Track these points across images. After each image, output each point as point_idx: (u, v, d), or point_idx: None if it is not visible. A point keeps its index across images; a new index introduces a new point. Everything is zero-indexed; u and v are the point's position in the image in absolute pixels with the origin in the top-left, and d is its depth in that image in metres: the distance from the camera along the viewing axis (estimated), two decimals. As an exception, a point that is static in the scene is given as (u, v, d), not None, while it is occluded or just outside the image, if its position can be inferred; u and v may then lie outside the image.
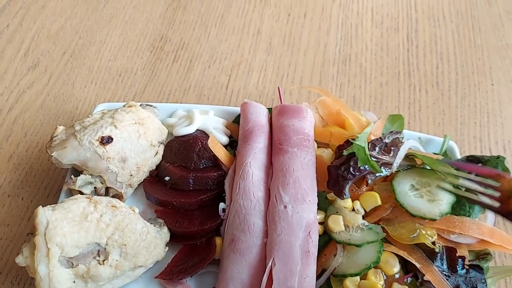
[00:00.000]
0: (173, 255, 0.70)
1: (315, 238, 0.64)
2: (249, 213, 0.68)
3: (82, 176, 0.69)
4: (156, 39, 1.01)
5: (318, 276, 0.64)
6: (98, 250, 0.62)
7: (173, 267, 0.68)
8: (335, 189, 0.66)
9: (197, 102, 0.92)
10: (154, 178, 0.77)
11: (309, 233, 0.64)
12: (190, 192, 0.74)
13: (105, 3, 1.07)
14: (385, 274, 0.64)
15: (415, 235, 0.65)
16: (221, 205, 0.72)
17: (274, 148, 0.73)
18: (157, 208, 0.74)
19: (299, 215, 0.65)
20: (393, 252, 0.64)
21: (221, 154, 0.75)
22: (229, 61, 0.99)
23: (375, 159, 0.67)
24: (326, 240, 0.67)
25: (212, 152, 0.76)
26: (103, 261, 0.61)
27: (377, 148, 0.68)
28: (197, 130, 0.80)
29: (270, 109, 0.81)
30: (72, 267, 0.60)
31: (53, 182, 0.79)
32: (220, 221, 0.71)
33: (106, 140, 0.70)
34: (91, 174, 0.70)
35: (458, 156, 0.79)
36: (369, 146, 0.67)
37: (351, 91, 0.96)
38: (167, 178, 0.75)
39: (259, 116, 0.78)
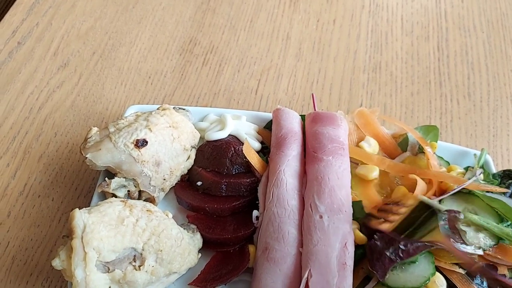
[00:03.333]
0: (205, 261, 0.69)
1: (351, 250, 0.63)
2: (283, 221, 0.67)
3: (116, 178, 0.69)
4: (186, 41, 1.01)
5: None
6: (134, 255, 0.61)
7: (207, 274, 0.67)
8: (379, 271, 0.62)
9: (226, 107, 0.91)
10: (186, 183, 0.77)
11: (345, 244, 0.63)
12: (222, 198, 0.73)
13: (134, 4, 1.06)
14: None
15: (453, 255, 0.64)
16: (255, 213, 0.71)
17: (308, 156, 0.72)
18: (189, 213, 0.73)
19: (335, 225, 0.64)
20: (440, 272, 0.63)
21: (255, 160, 0.74)
22: (258, 65, 0.99)
23: (429, 244, 0.62)
24: (362, 252, 0.66)
25: (245, 158, 0.75)
26: (139, 266, 0.60)
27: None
28: (229, 135, 0.79)
29: (301, 116, 0.80)
30: (108, 272, 0.59)
31: (83, 183, 0.79)
32: (253, 229, 0.70)
33: (141, 143, 0.69)
34: (125, 177, 0.69)
35: (494, 170, 0.77)
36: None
37: (382, 99, 0.95)
38: (199, 183, 0.75)
39: (292, 122, 0.77)
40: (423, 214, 0.63)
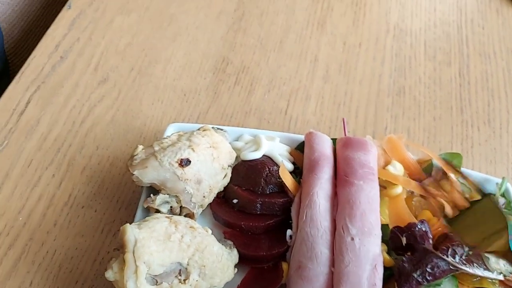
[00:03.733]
0: (240, 276, 0.73)
1: (380, 271, 0.67)
2: (316, 242, 0.71)
3: (160, 195, 0.73)
4: (218, 60, 1.05)
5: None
6: (180, 270, 0.65)
7: (243, 289, 0.71)
8: None
9: (257, 126, 0.95)
10: (221, 200, 0.81)
11: (375, 266, 0.67)
12: (257, 216, 0.78)
13: (169, 21, 1.11)
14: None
15: (477, 279, 0.68)
16: (288, 232, 0.75)
17: (340, 179, 0.76)
18: (225, 230, 0.78)
19: (366, 248, 0.68)
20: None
21: (289, 182, 0.78)
22: (287, 86, 1.03)
23: (454, 268, 0.66)
24: (389, 274, 0.70)
25: (279, 178, 0.79)
26: (184, 280, 0.65)
27: (457, 257, 0.67)
28: (263, 155, 0.83)
29: (332, 140, 0.85)
30: (156, 285, 0.64)
31: (124, 195, 0.83)
32: (287, 247, 0.74)
33: (185, 163, 0.74)
34: (168, 194, 0.74)
35: (514, 198, 0.81)
36: (449, 253, 0.67)
37: (405, 123, 0.99)
38: (235, 201, 0.79)
39: (324, 146, 0.81)
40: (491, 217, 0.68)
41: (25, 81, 0.96)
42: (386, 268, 0.69)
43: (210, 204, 0.80)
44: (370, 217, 0.70)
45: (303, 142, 0.85)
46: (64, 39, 1.04)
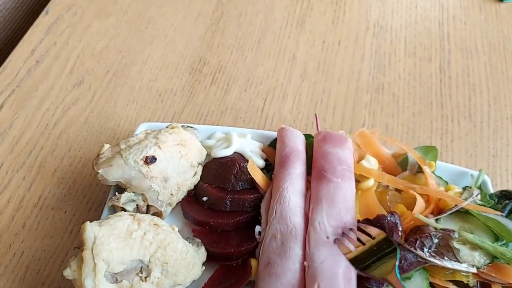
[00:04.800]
0: (208, 274, 0.72)
1: (355, 267, 0.66)
2: (286, 237, 0.69)
3: (126, 193, 0.72)
4: (195, 61, 1.05)
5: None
6: (141, 267, 0.64)
7: (210, 286, 0.70)
8: (374, 286, 0.65)
9: (233, 125, 0.94)
10: (192, 198, 0.80)
11: (350, 261, 0.65)
12: (227, 213, 0.77)
13: (147, 24, 1.11)
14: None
15: (449, 272, 0.66)
16: (257, 228, 0.74)
17: (316, 174, 0.75)
18: (194, 228, 0.76)
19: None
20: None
21: (259, 178, 0.77)
22: (265, 85, 1.02)
23: (423, 261, 0.65)
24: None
25: (249, 174, 0.78)
26: (146, 278, 0.63)
27: (425, 249, 0.65)
28: (234, 152, 0.82)
29: (306, 135, 0.83)
30: (116, 283, 0.62)
31: (94, 196, 0.83)
32: (256, 244, 0.73)
33: (150, 160, 0.73)
34: (134, 192, 0.73)
35: (491, 190, 0.79)
36: (417, 245, 0.65)
37: (384, 119, 0.98)
38: (205, 198, 0.78)
39: (296, 142, 0.80)
40: (385, 251, 0.65)
41: (-1, 86, 0.97)
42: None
43: (180, 202, 0.79)
44: (345, 217, 0.69)
45: (276, 139, 0.84)
46: (41, 44, 1.04)
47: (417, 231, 0.68)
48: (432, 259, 0.64)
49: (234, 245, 0.73)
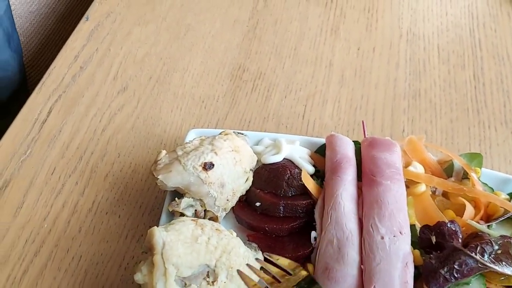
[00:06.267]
0: (266, 279, 0.73)
1: (411, 269, 0.67)
2: (342, 243, 0.71)
3: (185, 198, 0.74)
4: (235, 68, 1.07)
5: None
6: (208, 272, 0.66)
7: (271, 291, 0.71)
8: None
9: (276, 131, 0.96)
10: (244, 203, 0.82)
11: (406, 264, 0.67)
12: (280, 218, 0.78)
13: (185, 32, 1.13)
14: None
15: (504, 278, 0.68)
16: (313, 234, 0.75)
17: (366, 179, 0.77)
18: (249, 233, 0.78)
19: (396, 246, 0.68)
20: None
21: (311, 185, 0.79)
22: (304, 91, 1.04)
23: (483, 267, 0.66)
24: (417, 273, 0.70)
25: (300, 181, 0.80)
26: (213, 282, 0.65)
27: (486, 255, 0.66)
28: (284, 158, 0.84)
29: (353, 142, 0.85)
30: (185, 287, 0.64)
31: (147, 201, 0.84)
32: (311, 249, 0.74)
33: (208, 166, 0.74)
34: (192, 198, 0.74)
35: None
36: (478, 251, 0.66)
37: (422, 125, 1.00)
38: (257, 204, 0.79)
39: (346, 148, 0.82)
40: None
41: (46, 91, 0.98)
42: (415, 268, 0.69)
43: (233, 208, 0.80)
44: (398, 217, 0.71)
45: (323, 145, 0.86)
46: (83, 50, 1.06)
47: (475, 238, 0.70)
48: (492, 265, 0.66)
49: (290, 250, 0.75)
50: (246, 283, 0.66)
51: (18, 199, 0.83)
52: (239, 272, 0.66)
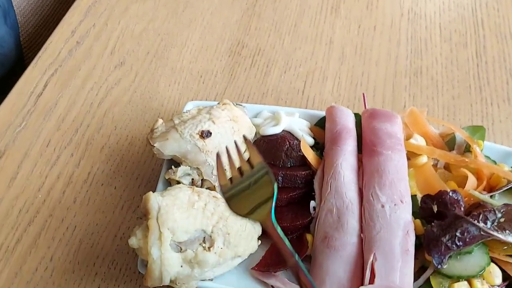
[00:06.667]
0: (264, 249, 0.72)
1: (412, 237, 0.66)
2: (342, 212, 0.70)
3: (182, 167, 0.72)
4: (234, 44, 1.05)
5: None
6: (204, 237, 0.64)
7: (268, 259, 0.70)
8: (436, 257, 0.64)
9: (275, 105, 0.95)
10: (242, 174, 0.80)
11: (407, 232, 0.66)
12: (279, 188, 0.76)
13: (183, 8, 1.11)
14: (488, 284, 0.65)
15: (507, 247, 0.67)
16: (312, 203, 0.74)
17: (366, 149, 0.75)
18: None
19: (397, 214, 0.67)
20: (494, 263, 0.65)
21: (310, 156, 0.77)
22: (304, 68, 1.02)
23: (486, 235, 0.64)
24: (418, 243, 0.68)
25: (299, 152, 0.78)
26: (209, 248, 0.64)
27: (489, 223, 0.65)
28: (283, 130, 0.82)
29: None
30: (181, 252, 0.62)
31: (143, 173, 0.83)
32: (310, 219, 0.73)
33: (205, 134, 0.73)
34: (189, 166, 0.73)
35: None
36: (481, 218, 0.65)
37: (424, 101, 0.98)
38: (256, 175, 0.78)
39: (347, 120, 0.80)
40: (262, 189, 0.66)
41: (42, 65, 0.97)
42: (416, 237, 0.68)
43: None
44: (399, 186, 0.69)
45: (323, 118, 0.84)
46: (80, 25, 1.05)
47: (478, 207, 0.69)
48: (495, 233, 0.64)
49: (288, 220, 0.73)
50: (218, 174, 0.65)
51: (12, 170, 0.82)
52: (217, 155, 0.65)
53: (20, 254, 0.73)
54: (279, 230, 0.61)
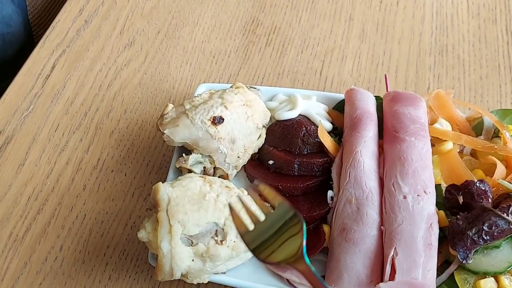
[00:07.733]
0: (278, 240, 0.69)
1: (436, 231, 0.62)
2: (362, 203, 0.66)
3: (193, 155, 0.69)
4: (248, 22, 1.00)
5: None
6: (216, 230, 0.61)
7: (283, 252, 0.67)
8: (461, 252, 0.60)
9: (291, 87, 0.90)
10: (256, 162, 0.77)
11: (431, 225, 0.62)
12: (295, 177, 0.73)
13: (195, -17, 1.06)
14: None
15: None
16: (330, 193, 0.70)
17: (388, 136, 0.71)
18: (261, 192, 0.73)
19: (420, 206, 0.63)
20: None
21: (328, 142, 0.73)
22: (322, 46, 0.97)
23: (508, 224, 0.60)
24: (442, 235, 0.65)
25: (317, 138, 0.74)
26: (221, 241, 0.61)
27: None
28: (299, 115, 0.78)
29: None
30: (192, 245, 0.60)
31: (154, 159, 0.80)
32: (328, 209, 0.70)
33: (217, 120, 0.69)
34: (201, 154, 0.70)
35: None
36: (510, 211, 0.61)
37: (449, 82, 0.93)
38: (271, 162, 0.75)
39: (367, 103, 0.76)
40: (288, 227, 0.53)
41: (49, 46, 0.94)
42: (440, 230, 0.64)
43: (244, 166, 0.75)
44: (423, 175, 0.65)
45: (342, 101, 0.80)
46: (88, 3, 1.01)
47: (507, 198, 0.64)
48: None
49: (305, 210, 0.70)
50: (234, 222, 0.54)
51: (20, 155, 0.80)
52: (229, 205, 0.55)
53: (29, 243, 0.71)
54: (313, 269, 0.50)
